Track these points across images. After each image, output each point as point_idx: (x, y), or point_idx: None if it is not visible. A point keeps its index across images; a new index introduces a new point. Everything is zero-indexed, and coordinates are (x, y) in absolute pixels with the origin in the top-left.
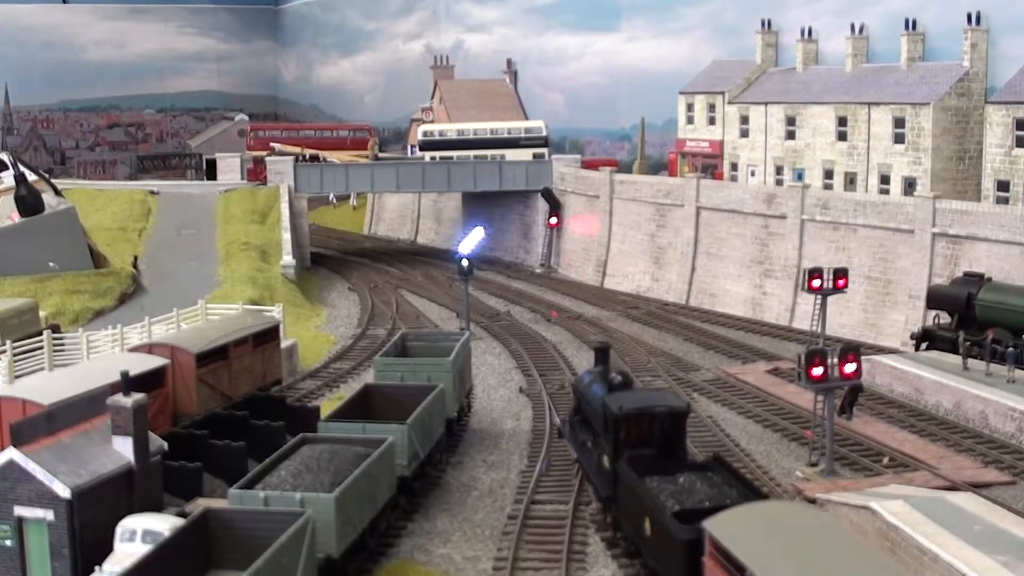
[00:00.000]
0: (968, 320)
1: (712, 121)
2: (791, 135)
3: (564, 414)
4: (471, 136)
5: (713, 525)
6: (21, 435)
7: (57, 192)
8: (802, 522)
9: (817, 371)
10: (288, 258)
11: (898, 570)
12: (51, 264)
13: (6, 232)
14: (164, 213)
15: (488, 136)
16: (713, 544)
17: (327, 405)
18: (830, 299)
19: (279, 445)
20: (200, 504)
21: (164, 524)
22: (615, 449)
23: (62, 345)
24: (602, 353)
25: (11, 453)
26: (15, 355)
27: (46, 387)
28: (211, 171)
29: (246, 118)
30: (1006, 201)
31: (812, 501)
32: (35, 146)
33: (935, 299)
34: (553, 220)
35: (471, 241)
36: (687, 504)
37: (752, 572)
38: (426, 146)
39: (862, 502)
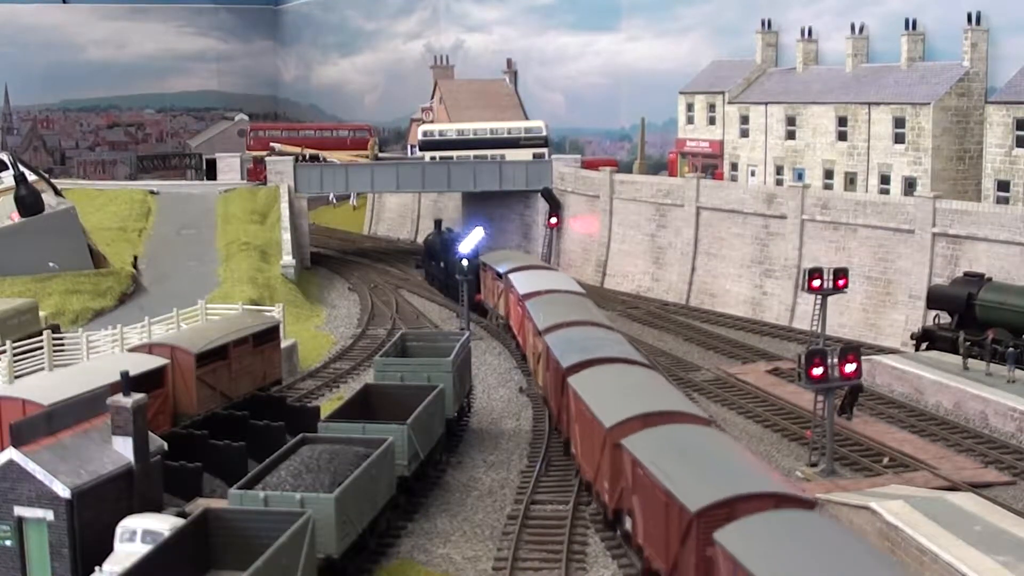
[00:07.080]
0: (968, 320)
1: (712, 121)
2: (791, 135)
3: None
4: (471, 136)
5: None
6: (21, 435)
7: (57, 192)
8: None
9: (817, 371)
10: (288, 258)
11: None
12: (51, 264)
13: (6, 232)
14: (164, 213)
15: (488, 136)
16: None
17: (327, 405)
18: (830, 299)
19: (279, 445)
20: (200, 504)
21: (164, 524)
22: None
23: (62, 345)
24: (437, 222)
25: (11, 453)
26: (15, 355)
27: (46, 387)
28: (211, 171)
29: (246, 118)
30: (1006, 201)
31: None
32: (35, 146)
33: (935, 299)
34: (553, 220)
35: (471, 241)
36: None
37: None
38: (426, 146)
39: (862, 502)
